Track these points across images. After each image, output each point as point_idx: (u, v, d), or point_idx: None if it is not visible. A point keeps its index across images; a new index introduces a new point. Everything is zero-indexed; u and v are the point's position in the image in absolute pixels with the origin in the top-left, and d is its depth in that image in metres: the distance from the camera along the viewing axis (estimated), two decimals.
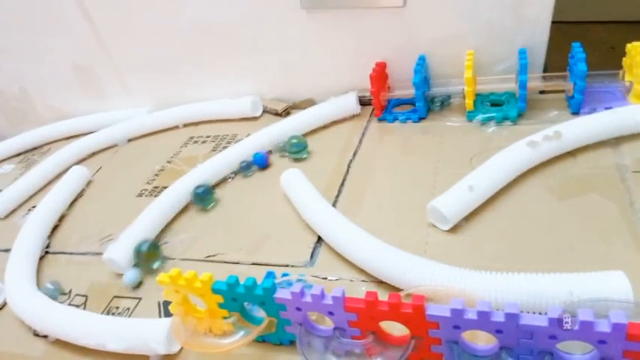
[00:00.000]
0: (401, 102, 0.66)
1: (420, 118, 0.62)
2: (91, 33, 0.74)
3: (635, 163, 0.46)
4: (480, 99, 0.61)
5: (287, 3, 0.63)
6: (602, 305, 0.32)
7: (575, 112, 0.55)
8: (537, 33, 0.59)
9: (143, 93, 0.81)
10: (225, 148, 0.65)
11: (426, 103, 0.62)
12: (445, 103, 0.63)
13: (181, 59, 0.74)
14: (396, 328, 0.32)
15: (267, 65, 0.71)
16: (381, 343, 0.33)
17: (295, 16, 0.64)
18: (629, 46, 0.54)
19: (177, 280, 0.36)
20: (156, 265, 0.47)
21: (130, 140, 0.75)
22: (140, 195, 0.60)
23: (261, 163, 0.59)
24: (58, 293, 0.48)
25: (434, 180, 0.51)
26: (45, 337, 0.43)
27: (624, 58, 0.56)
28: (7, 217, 0.64)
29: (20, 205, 0.66)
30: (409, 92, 0.61)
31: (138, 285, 0.46)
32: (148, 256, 0.47)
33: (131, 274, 0.46)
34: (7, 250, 0.56)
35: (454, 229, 0.44)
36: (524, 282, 0.33)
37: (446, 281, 0.35)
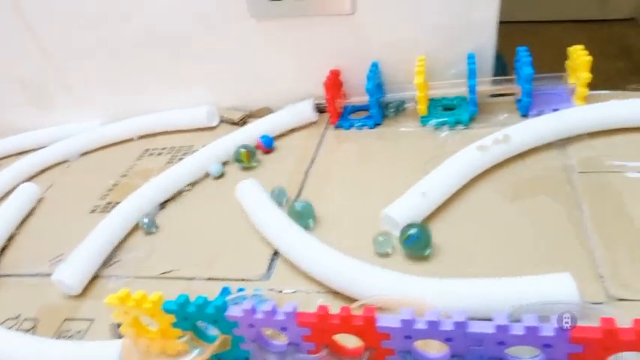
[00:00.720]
0: (357, 108, 0.66)
1: (376, 125, 0.62)
2: (34, 45, 0.71)
3: (580, 163, 0.48)
4: (434, 104, 0.62)
5: (236, 12, 0.62)
6: (550, 308, 0.33)
7: (524, 115, 0.57)
8: (485, 37, 0.60)
9: (95, 105, 0.78)
10: (181, 159, 0.64)
11: (380, 109, 0.63)
12: (400, 108, 0.64)
13: (134, 70, 0.73)
14: (350, 341, 0.32)
15: (223, 74, 0.71)
16: (335, 356, 0.33)
17: (246, 25, 0.63)
18: (570, 49, 0.56)
19: (126, 301, 0.35)
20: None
21: (82, 154, 0.73)
22: (93, 211, 0.58)
23: (269, 144, 0.61)
24: None
25: (389, 186, 0.51)
26: None
27: (567, 61, 0.58)
28: None
29: None
30: (364, 99, 0.62)
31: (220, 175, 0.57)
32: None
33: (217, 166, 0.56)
34: None
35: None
36: (474, 288, 0.33)
37: (397, 290, 0.35)
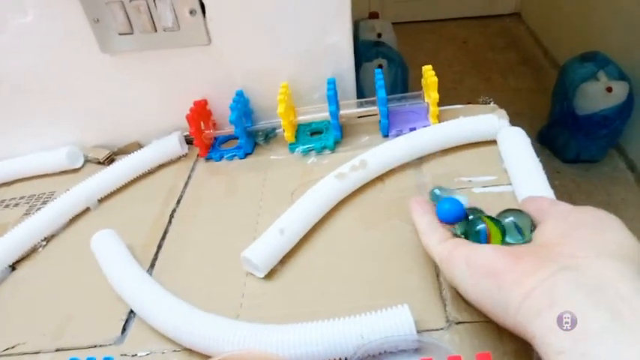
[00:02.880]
0: (229, 138, 0.65)
1: (246, 154, 0.61)
2: None
3: (433, 180, 0.50)
4: (303, 129, 0.62)
5: (85, 48, 0.58)
6: (391, 343, 0.33)
7: (385, 135, 0.59)
8: (343, 60, 0.61)
9: None
10: (40, 208, 0.59)
11: (250, 138, 0.62)
12: (270, 135, 0.63)
13: None
14: None
15: (84, 113, 0.66)
16: None
17: (97, 60, 0.60)
18: (423, 68, 0.59)
19: None
20: None
21: None
22: None
23: None
24: None
25: (255, 222, 0.50)
26: None
27: (422, 80, 0.60)
28: None
29: None
30: (232, 129, 0.60)
31: None
32: None
33: None
34: None
35: (270, 275, 0.43)
36: (319, 331, 0.33)
37: (244, 342, 0.34)
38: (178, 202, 0.56)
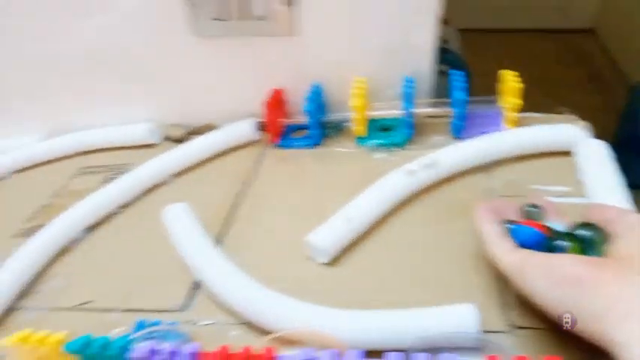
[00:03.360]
0: (300, 127, 0.66)
1: (315, 145, 0.62)
2: None
3: (503, 187, 0.49)
4: (373, 124, 0.62)
5: (177, 30, 0.61)
6: (454, 338, 0.33)
7: (458, 137, 0.58)
8: (423, 61, 0.61)
9: (33, 121, 0.76)
10: (117, 178, 0.62)
11: (321, 129, 0.63)
12: (339, 128, 0.64)
13: (74, 86, 0.71)
14: None
15: (165, 91, 0.70)
16: None
17: (187, 43, 0.63)
18: (500, 72, 0.58)
19: (28, 342, 0.34)
20: None
21: (15, 172, 0.70)
22: (16, 236, 0.56)
23: None
24: None
25: (321, 211, 0.50)
26: None
27: (499, 84, 0.59)
28: None
29: None
30: (305, 119, 0.61)
31: None
32: None
33: None
34: None
35: (333, 263, 0.44)
36: (380, 320, 0.33)
37: (308, 322, 0.34)
38: (248, 184, 0.57)
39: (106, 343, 0.32)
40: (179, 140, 0.70)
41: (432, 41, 0.59)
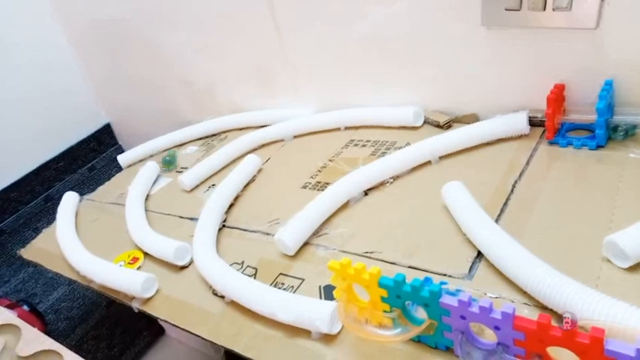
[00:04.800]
0: (575, 126, 0.62)
1: (598, 146, 0.58)
2: (275, 40, 0.82)
3: None
4: None
5: (467, 19, 0.63)
6: None
7: None
8: None
9: (311, 95, 0.87)
10: (384, 154, 0.68)
11: (607, 130, 0.58)
12: (630, 132, 0.58)
13: (349, 68, 0.79)
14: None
15: (433, 78, 0.73)
16: None
17: (474, 33, 0.64)
18: None
19: (347, 269, 0.39)
20: None
21: (295, 137, 0.82)
22: (304, 187, 0.65)
23: None
24: None
25: (610, 214, 0.47)
26: (222, 297, 0.50)
27: None
28: (191, 190, 0.74)
29: (202, 182, 0.76)
30: (588, 117, 0.58)
31: None
32: None
33: None
34: (192, 219, 0.65)
35: (633, 268, 0.40)
36: None
37: (624, 320, 0.32)
38: (520, 175, 0.57)
39: (420, 285, 0.36)
40: (442, 126, 0.72)
41: None
